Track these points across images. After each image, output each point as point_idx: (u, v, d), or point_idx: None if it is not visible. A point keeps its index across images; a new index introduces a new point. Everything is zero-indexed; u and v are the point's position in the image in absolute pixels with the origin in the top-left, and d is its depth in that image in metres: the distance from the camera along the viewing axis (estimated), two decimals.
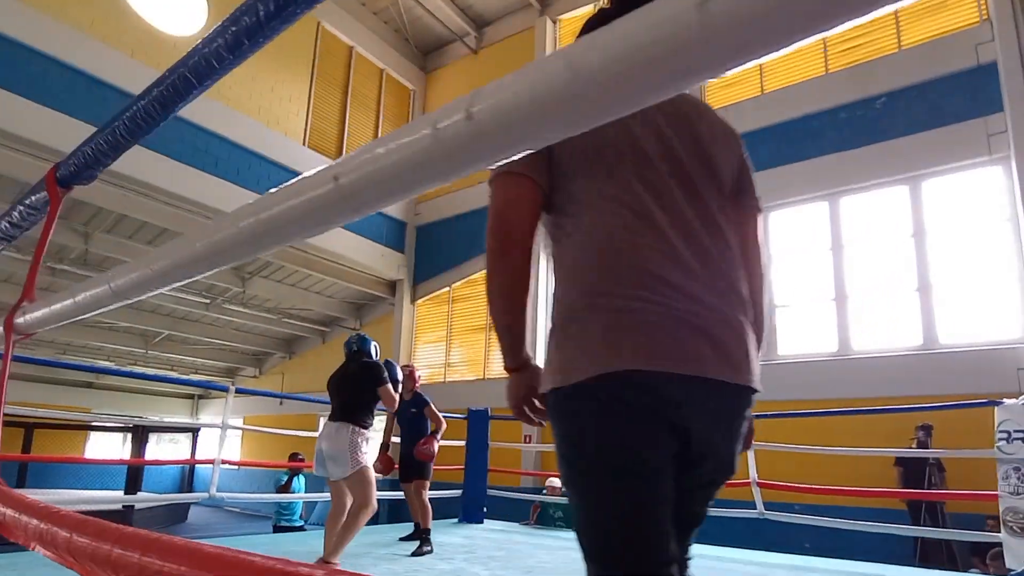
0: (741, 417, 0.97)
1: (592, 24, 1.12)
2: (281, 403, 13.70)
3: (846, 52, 8.05)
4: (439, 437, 4.42)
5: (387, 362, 3.83)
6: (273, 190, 0.47)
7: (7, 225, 1.39)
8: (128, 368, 12.85)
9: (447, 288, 11.70)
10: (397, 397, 3.56)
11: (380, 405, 3.51)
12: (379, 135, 12.18)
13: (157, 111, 0.88)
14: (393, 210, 11.94)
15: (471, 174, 0.37)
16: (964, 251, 6.77)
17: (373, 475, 3.28)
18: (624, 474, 0.86)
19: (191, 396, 17.26)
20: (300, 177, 0.45)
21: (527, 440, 9.41)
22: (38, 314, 0.96)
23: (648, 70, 0.27)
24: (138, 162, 7.54)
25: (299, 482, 7.46)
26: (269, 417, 13.54)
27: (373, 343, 3.68)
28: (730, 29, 0.25)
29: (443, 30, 12.16)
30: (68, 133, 6.79)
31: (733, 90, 8.95)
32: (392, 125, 12.55)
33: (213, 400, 16.87)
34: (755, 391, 0.96)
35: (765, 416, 5.12)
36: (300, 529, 7.18)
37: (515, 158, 0.67)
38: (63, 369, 12.77)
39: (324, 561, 2.99)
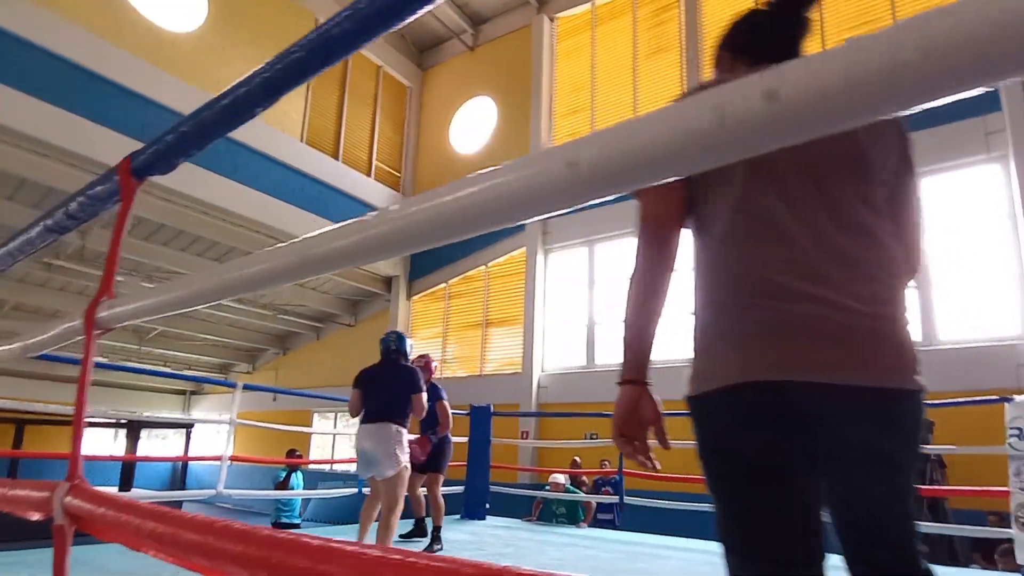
0: (894, 417, 0.92)
1: (742, 26, 1.16)
2: (275, 399, 13.60)
3: None
4: (435, 440, 4.19)
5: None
6: (498, 167, 0.45)
7: (63, 216, 1.35)
8: (121, 363, 12.67)
9: (443, 284, 11.67)
10: (426, 406, 3.58)
11: None
12: (375, 132, 12.15)
13: (260, 97, 0.85)
14: (390, 205, 11.88)
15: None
16: (963, 248, 6.87)
17: (408, 475, 3.35)
18: (750, 479, 0.91)
19: (183, 392, 17.08)
20: (529, 157, 0.43)
21: (524, 436, 9.42)
22: (128, 307, 0.93)
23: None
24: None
25: (297, 478, 7.40)
26: (262, 413, 13.42)
27: (409, 341, 3.67)
28: None
29: (440, 27, 12.10)
30: (64, 127, 6.68)
31: None
32: (389, 122, 12.48)
33: (205, 396, 16.71)
34: (905, 390, 0.91)
35: None
36: (298, 526, 7.13)
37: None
38: (56, 363, 12.58)
39: None
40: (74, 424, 1.05)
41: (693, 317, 1.01)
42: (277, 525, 7.08)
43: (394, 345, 3.60)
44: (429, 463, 4.37)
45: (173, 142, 1.00)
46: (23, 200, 7.66)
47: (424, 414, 3.56)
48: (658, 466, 1.05)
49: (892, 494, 0.94)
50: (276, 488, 7.17)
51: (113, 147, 7.18)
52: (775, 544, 0.89)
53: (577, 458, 7.77)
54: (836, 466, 0.92)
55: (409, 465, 3.33)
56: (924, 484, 5.72)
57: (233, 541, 0.59)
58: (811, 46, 1.15)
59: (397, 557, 0.48)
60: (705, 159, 0.36)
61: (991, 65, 0.28)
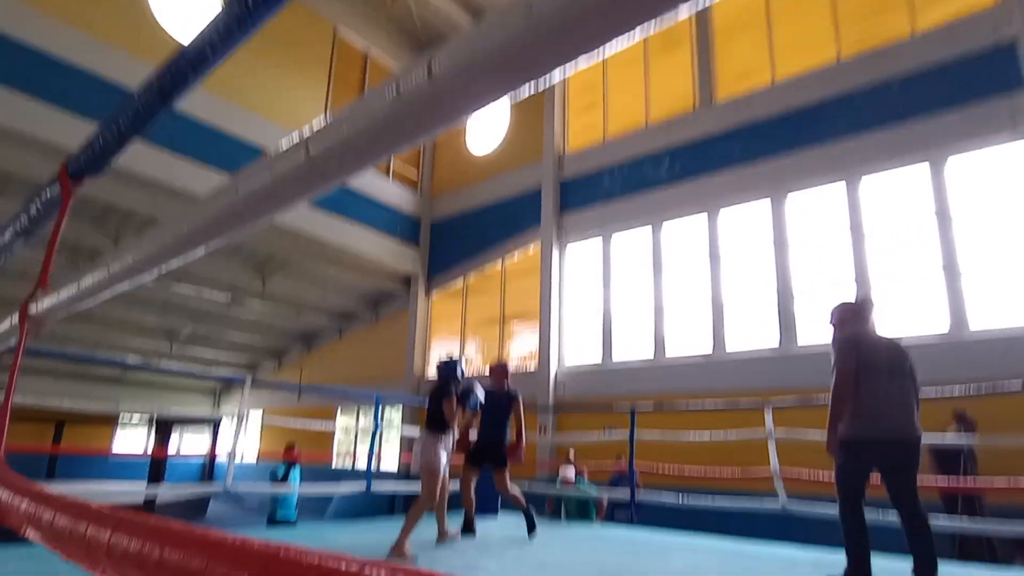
0: (906, 450, 3.05)
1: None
2: (300, 396, 13.88)
3: (859, 38, 7.90)
4: (524, 444, 4.51)
5: (468, 381, 4.28)
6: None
7: (26, 221, 1.43)
8: (154, 363, 13.14)
9: (461, 281, 11.76)
10: (456, 414, 4.12)
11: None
12: None
13: (157, 102, 0.90)
14: (407, 205, 12.03)
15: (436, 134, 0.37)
16: (991, 231, 6.58)
17: (439, 473, 3.95)
18: (852, 468, 3.11)
19: (214, 390, 17.59)
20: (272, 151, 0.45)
21: (542, 431, 9.40)
22: (46, 303, 0.98)
23: (606, 14, 0.27)
24: (168, 167, 7.79)
25: (295, 474, 6.89)
26: (288, 410, 13.73)
27: (459, 366, 4.23)
28: None
29: (451, 31, 12.14)
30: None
31: (744, 83, 8.86)
32: None
33: (235, 394, 17.17)
34: (912, 437, 3.06)
35: (785, 407, 5.02)
36: (294, 523, 6.75)
37: (847, 359, 3.17)
38: (93, 365, 13.13)
39: (395, 547, 3.55)
40: None
41: (849, 411, 3.09)
42: (273, 521, 6.74)
43: (442, 369, 4.23)
44: (500, 458, 4.47)
45: (99, 146, 1.05)
46: None
47: (452, 420, 4.06)
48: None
49: (905, 475, 3.04)
50: (275, 484, 6.87)
51: (146, 158, 7.58)
52: (847, 492, 3.04)
53: (572, 449, 7.73)
54: (887, 467, 3.08)
55: (436, 468, 3.92)
56: (958, 476, 5.46)
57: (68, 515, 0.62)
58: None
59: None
60: (388, 134, 0.37)
61: (591, 29, 0.29)
